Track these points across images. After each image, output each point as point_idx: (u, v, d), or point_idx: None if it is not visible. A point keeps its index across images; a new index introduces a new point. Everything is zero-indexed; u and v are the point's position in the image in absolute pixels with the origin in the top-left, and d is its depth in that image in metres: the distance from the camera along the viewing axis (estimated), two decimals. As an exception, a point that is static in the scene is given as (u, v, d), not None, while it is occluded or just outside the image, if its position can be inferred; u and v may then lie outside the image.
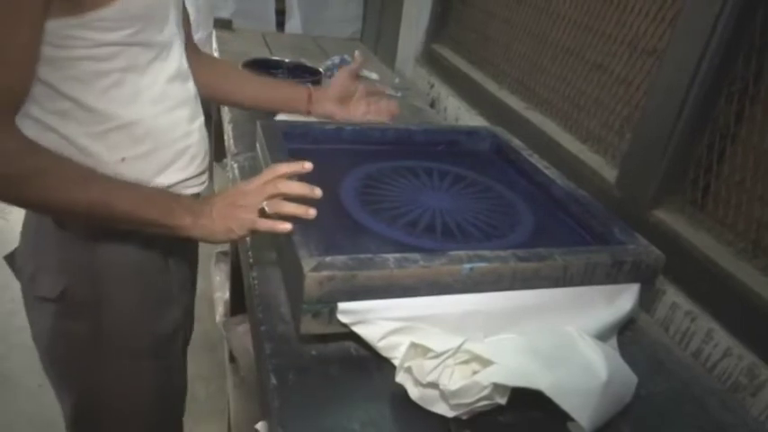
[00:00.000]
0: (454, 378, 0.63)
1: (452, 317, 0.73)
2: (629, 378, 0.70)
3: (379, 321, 0.70)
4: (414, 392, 0.64)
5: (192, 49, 0.98)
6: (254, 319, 0.80)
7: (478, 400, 0.62)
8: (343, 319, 0.70)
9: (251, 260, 0.87)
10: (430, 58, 1.90)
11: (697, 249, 0.86)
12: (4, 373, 1.83)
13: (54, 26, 0.68)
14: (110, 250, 0.82)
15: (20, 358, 1.88)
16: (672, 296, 0.88)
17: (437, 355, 0.64)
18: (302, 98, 1.13)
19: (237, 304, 1.81)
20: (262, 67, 1.47)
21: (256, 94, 1.09)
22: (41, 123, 0.74)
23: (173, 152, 0.83)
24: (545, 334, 0.72)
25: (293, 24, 2.67)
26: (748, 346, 0.78)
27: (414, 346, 0.66)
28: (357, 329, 0.70)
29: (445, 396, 0.63)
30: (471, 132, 1.21)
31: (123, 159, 0.79)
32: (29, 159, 0.67)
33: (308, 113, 1.15)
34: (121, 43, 0.73)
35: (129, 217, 0.73)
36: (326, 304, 0.69)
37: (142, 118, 0.78)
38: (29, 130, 0.75)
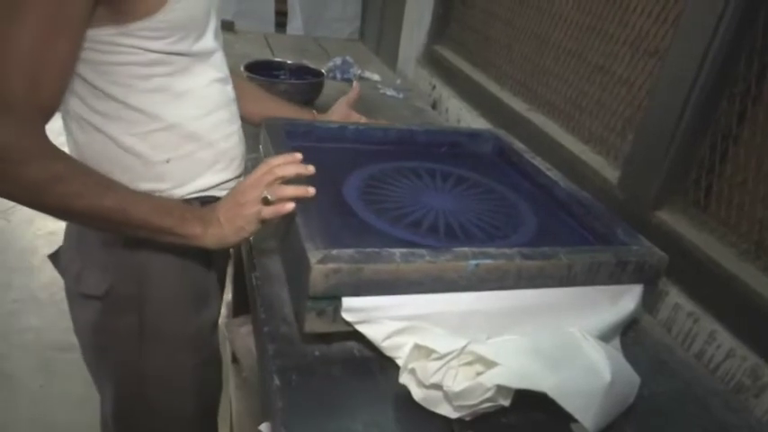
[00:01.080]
0: (458, 379, 0.63)
1: (456, 316, 0.73)
2: (633, 379, 0.70)
3: (384, 321, 0.70)
4: (417, 393, 0.64)
5: None
6: (256, 320, 0.80)
7: (482, 402, 0.62)
8: (347, 317, 0.70)
9: (254, 261, 0.87)
10: (431, 60, 1.90)
11: (699, 250, 0.86)
12: (5, 373, 1.83)
13: (98, 34, 0.70)
14: (154, 249, 0.83)
15: (21, 358, 1.89)
16: (674, 297, 0.88)
17: (441, 357, 0.64)
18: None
19: (240, 305, 1.81)
20: (264, 69, 1.48)
21: (262, 112, 1.11)
22: (90, 124, 0.77)
23: (214, 153, 0.85)
24: (549, 335, 0.72)
25: (295, 25, 2.67)
26: (751, 348, 0.78)
27: (417, 347, 0.66)
28: (361, 328, 0.70)
29: (449, 397, 0.63)
30: (474, 134, 1.21)
31: (168, 160, 0.81)
32: (51, 166, 0.68)
33: None
34: (163, 51, 0.75)
35: (145, 225, 0.74)
36: (331, 301, 0.69)
37: (185, 120, 0.81)
38: (78, 130, 0.79)
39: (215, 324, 0.95)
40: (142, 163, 0.79)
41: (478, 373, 0.64)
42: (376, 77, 1.92)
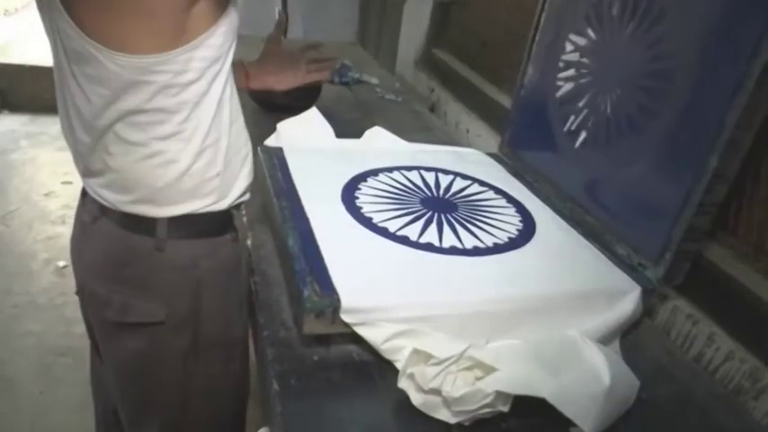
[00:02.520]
0: (457, 384, 0.63)
1: (456, 319, 0.73)
2: (632, 382, 0.70)
3: (383, 323, 0.70)
4: (416, 398, 0.64)
5: None
6: (255, 325, 0.80)
7: (481, 407, 0.63)
8: (346, 319, 0.70)
9: (253, 265, 0.87)
10: (430, 63, 1.90)
11: (698, 253, 0.86)
12: (6, 377, 1.83)
13: (178, 55, 0.69)
14: (209, 262, 0.82)
15: (22, 363, 1.88)
16: (673, 300, 0.88)
17: (439, 362, 0.64)
18: (241, 78, 1.14)
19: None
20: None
21: None
22: (144, 149, 0.74)
23: (242, 159, 0.85)
24: (548, 339, 0.72)
25: (295, 29, 2.68)
26: (750, 350, 0.78)
27: (416, 352, 0.66)
28: (360, 331, 0.70)
29: (448, 402, 0.63)
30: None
31: (218, 174, 0.80)
32: None
33: (249, 89, 1.18)
34: (220, 60, 0.75)
35: None
36: (330, 301, 0.69)
37: (226, 130, 0.80)
38: (123, 157, 0.75)
39: (247, 329, 0.94)
40: (197, 182, 0.78)
41: (478, 378, 0.64)
42: (374, 81, 1.92)
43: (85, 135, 0.76)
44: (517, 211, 0.99)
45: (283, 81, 1.19)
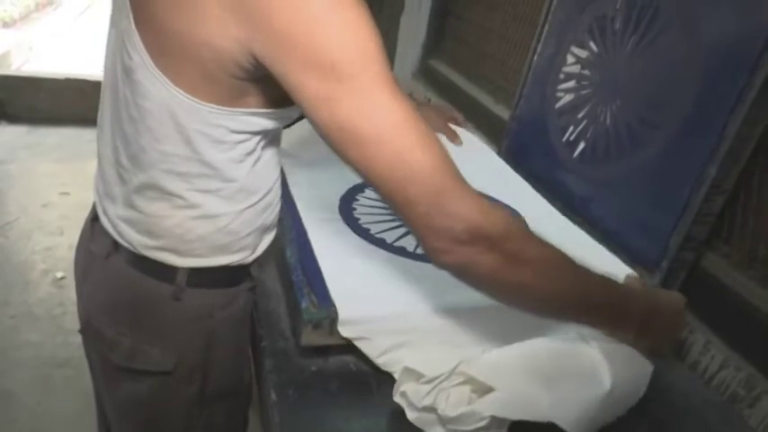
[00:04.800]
0: (451, 401, 0.63)
1: (453, 327, 0.73)
2: (641, 371, 0.70)
3: (380, 335, 0.70)
4: (411, 415, 0.64)
5: None
6: (254, 336, 0.80)
7: (476, 430, 0.62)
8: (343, 331, 0.70)
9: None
10: (427, 73, 1.91)
11: (694, 261, 0.87)
12: (3, 389, 1.83)
13: (236, 114, 0.66)
14: (224, 313, 0.79)
15: (19, 374, 1.88)
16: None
17: (430, 380, 0.64)
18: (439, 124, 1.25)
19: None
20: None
21: None
22: (182, 200, 0.71)
23: (273, 217, 0.82)
24: (547, 343, 0.71)
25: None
26: (745, 358, 0.78)
27: (407, 370, 0.66)
28: (357, 344, 0.71)
29: (443, 421, 0.63)
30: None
31: (251, 233, 0.77)
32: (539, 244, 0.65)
33: None
34: (278, 125, 0.72)
35: (589, 313, 0.71)
36: (328, 312, 0.70)
37: (267, 191, 0.77)
38: (159, 203, 0.71)
39: (250, 363, 0.92)
40: (232, 239, 0.75)
41: (473, 391, 0.64)
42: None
43: (129, 164, 0.72)
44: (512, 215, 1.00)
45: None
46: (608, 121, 0.97)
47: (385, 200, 0.61)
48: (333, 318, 0.70)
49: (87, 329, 0.82)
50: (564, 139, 1.07)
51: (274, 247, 0.88)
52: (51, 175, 3.07)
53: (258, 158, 0.72)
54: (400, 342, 0.70)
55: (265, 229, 0.80)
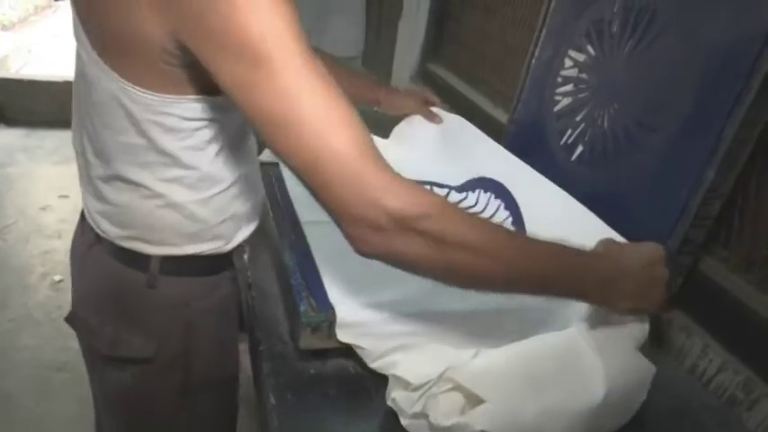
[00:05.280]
0: (442, 409, 0.62)
1: (450, 329, 0.73)
2: (641, 375, 0.69)
3: (377, 339, 0.70)
4: (404, 421, 0.64)
5: None
6: (252, 339, 0.80)
7: None
8: (341, 335, 0.70)
9: (249, 279, 0.87)
10: (425, 77, 1.92)
11: (691, 265, 0.87)
12: (1, 392, 1.82)
13: (187, 101, 0.67)
14: (203, 302, 0.81)
15: (18, 378, 1.88)
16: (667, 312, 0.88)
17: (418, 388, 0.64)
18: (372, 100, 1.26)
19: (236, 323, 1.81)
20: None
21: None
22: (147, 189, 0.72)
23: (251, 206, 0.83)
24: (539, 345, 0.70)
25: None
26: (743, 362, 0.78)
27: (395, 377, 0.66)
28: (356, 349, 0.71)
29: (434, 429, 0.62)
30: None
31: (224, 221, 0.78)
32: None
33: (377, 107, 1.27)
34: (233, 111, 0.71)
35: (542, 284, 0.67)
36: (326, 315, 0.70)
37: (239, 178, 0.78)
38: (125, 194, 0.73)
39: (237, 366, 0.94)
40: (202, 227, 0.76)
41: (465, 398, 0.63)
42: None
43: (95, 159, 0.74)
44: (514, 223, 1.00)
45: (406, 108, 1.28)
46: (606, 124, 0.97)
47: (306, 187, 0.60)
48: (331, 321, 0.70)
49: (73, 319, 0.85)
50: (562, 142, 1.07)
51: (272, 250, 0.88)
52: (50, 178, 3.07)
53: (222, 147, 0.73)
54: (398, 345, 0.70)
55: (241, 219, 0.81)
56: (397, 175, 0.58)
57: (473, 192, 1.10)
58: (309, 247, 0.83)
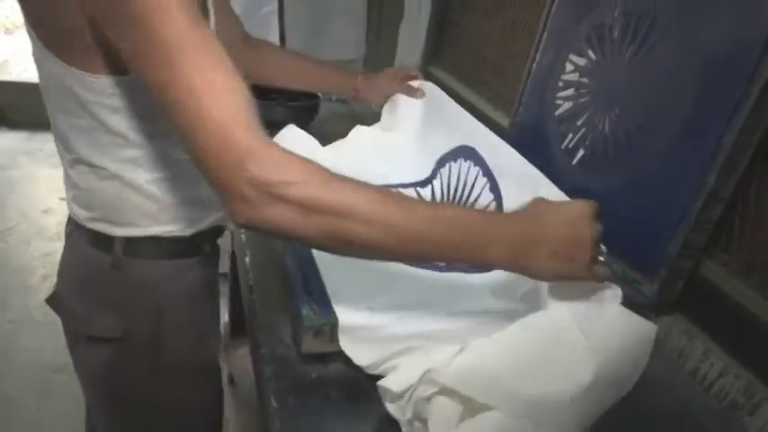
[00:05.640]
0: (439, 415, 0.60)
1: (452, 332, 0.73)
2: (636, 336, 0.64)
3: (377, 344, 0.70)
4: (404, 429, 0.64)
5: (241, 39, 1.07)
6: (253, 342, 0.80)
7: None
8: (344, 346, 0.70)
9: (251, 282, 0.87)
10: (426, 80, 1.92)
11: (692, 269, 0.87)
12: (3, 393, 1.83)
13: (129, 82, 0.69)
14: (172, 286, 0.82)
15: (18, 379, 1.88)
16: (668, 315, 0.88)
17: (402, 395, 0.63)
18: (348, 89, 1.27)
19: (237, 327, 1.82)
20: (262, 91, 1.49)
21: (308, 81, 1.21)
22: (105, 170, 0.75)
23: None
24: (523, 331, 0.67)
25: (297, 48, 2.69)
26: (744, 366, 0.78)
27: (382, 389, 0.65)
28: (355, 360, 0.71)
29: None
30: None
31: (182, 202, 0.80)
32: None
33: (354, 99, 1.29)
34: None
35: (439, 248, 0.63)
36: (328, 319, 0.70)
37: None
38: (88, 176, 0.76)
39: (218, 357, 0.96)
40: (159, 208, 0.78)
41: (462, 402, 0.61)
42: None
43: (59, 145, 0.78)
44: (491, 189, 1.00)
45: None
46: (606, 128, 0.98)
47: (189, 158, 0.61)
48: (333, 324, 0.70)
49: (52, 299, 0.89)
50: (563, 146, 1.07)
51: (274, 253, 0.89)
52: (51, 180, 3.07)
53: (168, 126, 0.71)
54: (401, 350, 0.70)
55: (201, 203, 0.82)
56: (269, 144, 0.58)
57: (455, 162, 1.10)
58: (311, 250, 0.84)
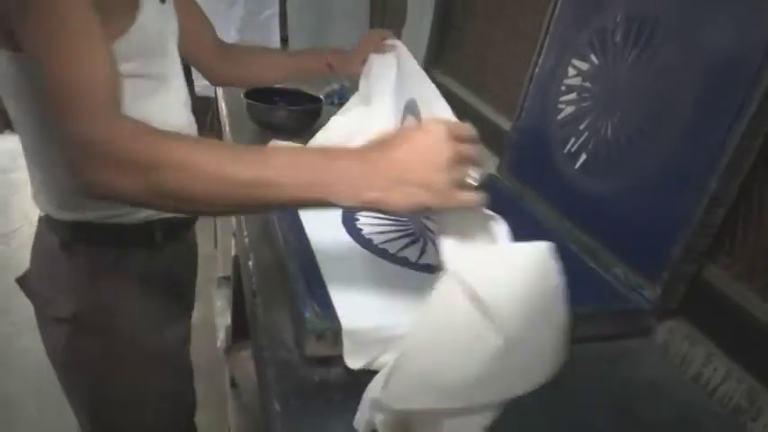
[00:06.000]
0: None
1: None
2: (541, 274, 0.55)
3: (381, 345, 0.70)
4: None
5: (214, 44, 1.09)
6: (256, 345, 0.80)
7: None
8: (346, 343, 0.70)
9: (254, 285, 0.87)
10: (429, 84, 1.92)
11: (695, 273, 0.87)
12: (3, 396, 1.83)
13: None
14: (118, 273, 0.85)
15: (19, 382, 1.88)
16: (670, 320, 0.88)
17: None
18: (322, 66, 1.23)
19: (239, 330, 1.81)
20: (263, 94, 1.50)
21: (284, 73, 1.21)
22: (40, 154, 0.79)
23: None
24: (428, 314, 0.59)
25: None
26: (747, 370, 0.78)
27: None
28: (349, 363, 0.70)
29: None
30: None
31: None
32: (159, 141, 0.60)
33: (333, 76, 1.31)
34: (128, 74, 0.75)
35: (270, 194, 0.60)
36: (330, 323, 0.70)
37: None
38: (33, 161, 0.80)
39: (185, 340, 0.97)
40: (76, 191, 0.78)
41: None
42: (374, 102, 1.94)
43: (18, 134, 0.80)
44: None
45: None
46: (609, 132, 0.98)
47: None
48: (336, 329, 0.70)
49: (21, 281, 0.93)
50: (565, 150, 1.07)
51: (276, 256, 0.89)
52: (53, 183, 3.08)
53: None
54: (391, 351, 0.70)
55: None
56: (108, 111, 0.61)
57: (412, 114, 1.06)
58: (314, 254, 0.84)
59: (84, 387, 0.92)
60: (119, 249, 0.85)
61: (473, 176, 0.59)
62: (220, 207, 0.62)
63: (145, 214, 0.85)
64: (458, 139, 0.59)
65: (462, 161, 0.58)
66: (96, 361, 0.88)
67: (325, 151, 0.61)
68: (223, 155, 0.59)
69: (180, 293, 0.95)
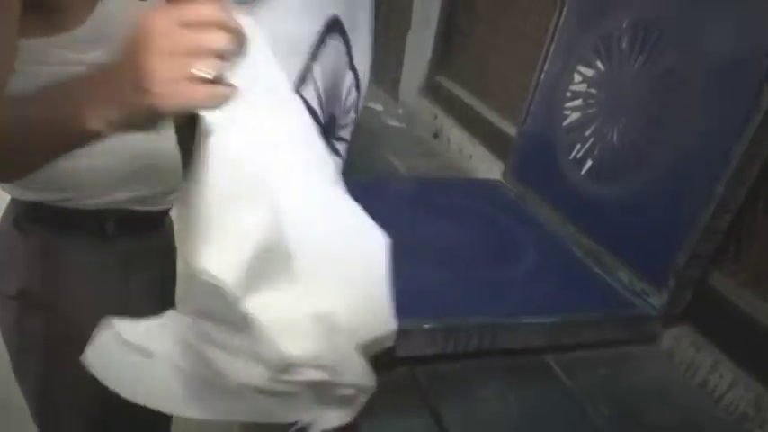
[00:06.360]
0: None
1: None
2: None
3: None
4: None
5: None
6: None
7: None
8: None
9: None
10: (433, 90, 1.92)
11: (701, 279, 0.87)
12: (4, 396, 1.82)
13: (31, 44, 0.70)
14: (66, 251, 0.85)
15: (17, 384, 1.87)
16: (676, 327, 0.88)
17: None
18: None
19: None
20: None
21: None
22: None
23: (116, 162, 0.82)
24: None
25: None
26: (754, 377, 0.78)
27: None
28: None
29: None
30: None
31: (73, 169, 0.79)
32: None
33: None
34: (93, 64, 0.72)
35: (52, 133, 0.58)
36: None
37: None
38: None
39: None
40: (47, 175, 0.73)
41: None
42: (379, 107, 1.95)
43: None
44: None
45: None
46: (615, 139, 0.98)
47: None
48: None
49: None
50: (571, 156, 1.07)
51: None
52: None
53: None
54: None
55: (82, 174, 0.81)
56: None
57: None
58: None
59: (31, 368, 0.92)
60: (68, 233, 0.85)
61: (205, 70, 0.47)
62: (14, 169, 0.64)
63: (94, 201, 0.84)
64: (187, 25, 0.47)
65: (190, 53, 0.47)
66: (38, 345, 0.89)
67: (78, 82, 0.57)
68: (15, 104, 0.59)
69: (139, 288, 0.93)
